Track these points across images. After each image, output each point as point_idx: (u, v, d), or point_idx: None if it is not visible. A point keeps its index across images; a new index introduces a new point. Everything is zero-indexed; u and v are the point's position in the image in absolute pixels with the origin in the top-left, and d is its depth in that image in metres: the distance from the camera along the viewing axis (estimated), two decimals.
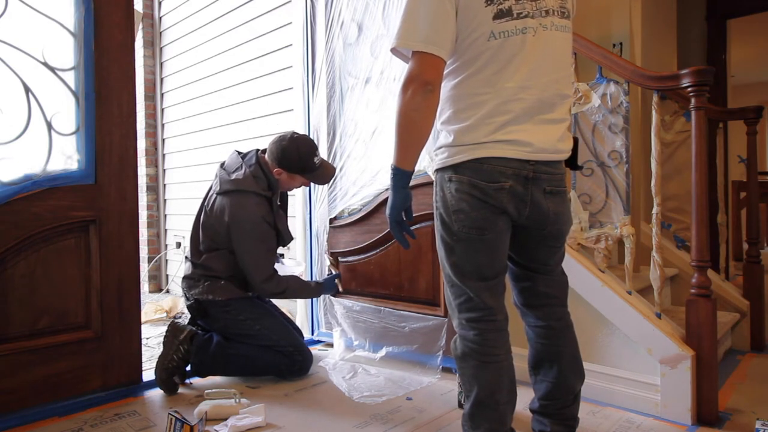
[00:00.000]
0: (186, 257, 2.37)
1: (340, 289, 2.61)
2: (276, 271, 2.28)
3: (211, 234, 2.25)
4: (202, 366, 2.18)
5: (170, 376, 2.10)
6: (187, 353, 2.15)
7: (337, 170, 2.68)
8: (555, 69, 1.27)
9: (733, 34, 3.62)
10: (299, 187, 2.44)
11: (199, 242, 2.30)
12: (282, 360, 2.22)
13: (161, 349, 2.16)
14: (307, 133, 2.84)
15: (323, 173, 2.34)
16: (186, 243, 4.23)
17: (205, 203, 2.32)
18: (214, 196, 2.27)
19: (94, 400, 2.00)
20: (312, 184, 2.58)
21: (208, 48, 3.94)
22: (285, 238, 2.37)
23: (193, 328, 2.22)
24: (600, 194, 2.07)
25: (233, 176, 2.24)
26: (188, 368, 2.19)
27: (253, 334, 2.22)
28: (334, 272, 2.66)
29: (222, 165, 2.34)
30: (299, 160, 2.25)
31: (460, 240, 1.27)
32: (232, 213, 2.18)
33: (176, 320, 2.24)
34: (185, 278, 2.31)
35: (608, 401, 1.95)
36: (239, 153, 2.37)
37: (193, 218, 4.00)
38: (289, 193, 2.55)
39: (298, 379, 2.26)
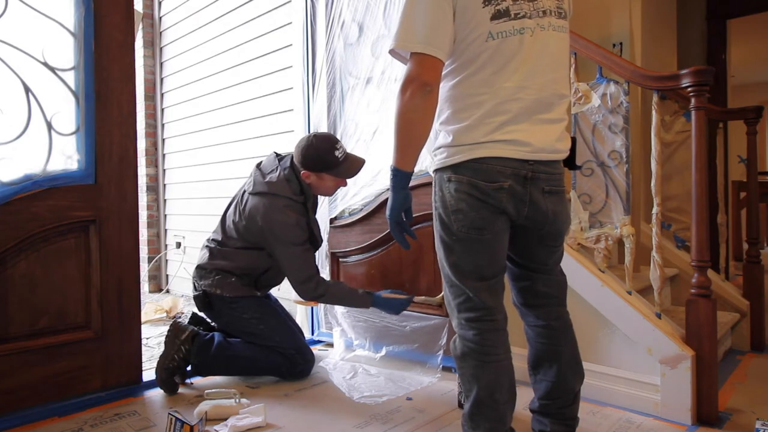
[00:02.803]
0: (205, 245, 2.36)
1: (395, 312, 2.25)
2: (317, 273, 2.23)
3: (241, 231, 2.24)
4: (202, 366, 2.18)
5: (171, 375, 2.11)
6: (188, 353, 2.15)
7: None
8: (553, 69, 1.28)
9: (733, 34, 3.62)
10: (334, 187, 2.32)
11: (225, 235, 2.30)
12: (283, 362, 2.22)
13: (162, 348, 2.16)
14: (307, 134, 2.84)
15: (350, 166, 2.24)
16: (185, 242, 4.24)
17: (238, 199, 2.32)
18: (248, 195, 2.26)
19: (94, 400, 2.01)
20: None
21: (208, 48, 3.94)
22: (318, 242, 2.35)
23: (195, 328, 2.22)
24: (600, 194, 2.07)
25: (267, 178, 2.23)
26: (189, 368, 2.19)
27: (257, 333, 2.22)
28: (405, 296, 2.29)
29: (258, 165, 2.33)
30: (318, 157, 2.17)
31: (459, 240, 1.27)
32: (265, 215, 2.16)
33: (178, 320, 2.24)
34: (198, 267, 2.31)
35: (608, 401, 1.95)
36: (277, 155, 2.34)
37: (194, 218, 4.00)
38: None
39: (300, 380, 2.25)
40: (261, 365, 2.22)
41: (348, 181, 2.62)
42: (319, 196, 2.48)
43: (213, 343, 2.19)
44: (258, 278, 2.32)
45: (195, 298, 2.28)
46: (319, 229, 2.38)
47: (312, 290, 2.19)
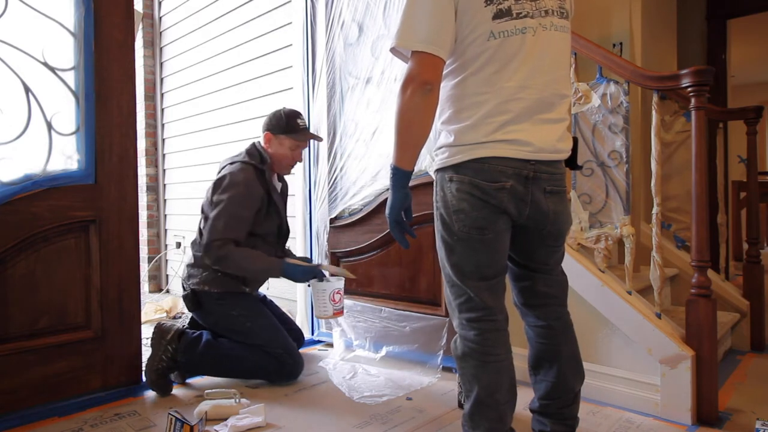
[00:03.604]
0: (191, 244, 2.36)
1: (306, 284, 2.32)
2: (234, 242, 2.12)
3: (206, 210, 2.24)
4: (189, 365, 2.15)
5: (161, 376, 2.08)
6: (176, 351, 2.12)
7: (338, 170, 2.69)
8: (554, 68, 1.28)
9: (733, 34, 3.63)
10: (290, 158, 2.36)
11: (203, 229, 2.28)
12: (271, 362, 2.16)
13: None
14: None
15: (306, 136, 2.38)
16: (185, 242, 4.24)
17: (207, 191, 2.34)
18: (213, 181, 2.29)
19: (94, 400, 2.00)
20: (312, 172, 2.61)
21: (208, 48, 3.94)
22: (282, 214, 2.38)
23: (181, 327, 2.19)
24: (600, 194, 2.07)
25: (230, 157, 2.36)
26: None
27: (244, 332, 2.18)
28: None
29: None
30: (283, 120, 2.33)
31: (460, 240, 1.27)
32: (222, 175, 2.23)
33: (161, 323, 2.20)
34: (187, 266, 2.30)
35: (608, 401, 1.95)
36: None
37: (194, 218, 4.00)
38: (289, 193, 2.55)
39: (287, 384, 2.18)
40: (248, 365, 2.17)
41: (348, 181, 2.62)
42: (287, 192, 2.54)
43: (201, 341, 2.16)
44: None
45: (184, 298, 2.26)
46: (284, 204, 2.45)
47: (216, 248, 2.09)
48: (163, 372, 2.09)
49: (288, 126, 2.33)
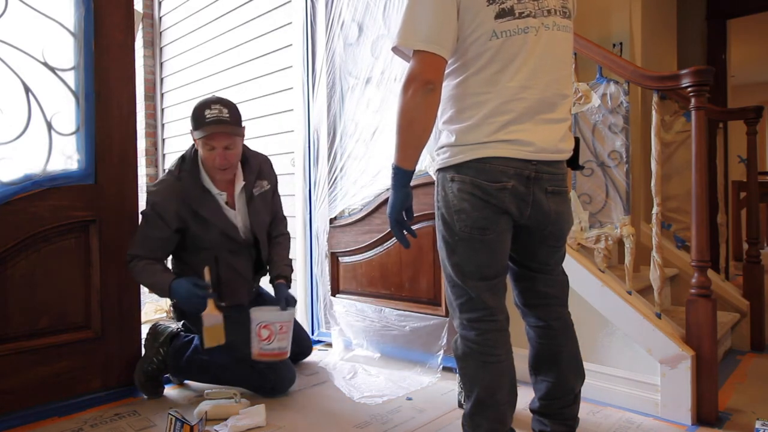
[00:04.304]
0: None
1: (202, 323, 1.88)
2: (140, 258, 1.96)
3: None
4: (176, 370, 2.12)
5: (149, 378, 2.05)
6: (166, 355, 2.10)
7: (338, 170, 2.68)
8: (556, 68, 1.28)
9: (733, 34, 3.63)
10: (211, 161, 1.97)
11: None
12: (253, 375, 2.03)
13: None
14: (306, 134, 2.85)
15: (211, 131, 1.92)
16: None
17: None
18: None
19: (94, 400, 2.00)
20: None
21: (208, 48, 3.94)
22: (219, 223, 2.03)
23: (175, 329, 2.16)
24: (600, 194, 2.07)
25: None
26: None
27: (225, 345, 1.98)
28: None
29: None
30: (192, 113, 1.98)
31: (461, 240, 1.27)
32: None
33: (156, 324, 2.18)
34: None
35: (608, 401, 1.95)
36: None
37: None
38: (288, 193, 2.52)
39: (271, 398, 2.03)
40: (230, 375, 2.07)
41: (348, 181, 2.60)
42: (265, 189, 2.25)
43: (190, 346, 2.11)
44: (217, 286, 2.06)
45: (170, 307, 2.22)
46: (216, 213, 2.04)
47: (126, 263, 1.99)
48: (152, 374, 2.06)
49: (194, 120, 1.95)
